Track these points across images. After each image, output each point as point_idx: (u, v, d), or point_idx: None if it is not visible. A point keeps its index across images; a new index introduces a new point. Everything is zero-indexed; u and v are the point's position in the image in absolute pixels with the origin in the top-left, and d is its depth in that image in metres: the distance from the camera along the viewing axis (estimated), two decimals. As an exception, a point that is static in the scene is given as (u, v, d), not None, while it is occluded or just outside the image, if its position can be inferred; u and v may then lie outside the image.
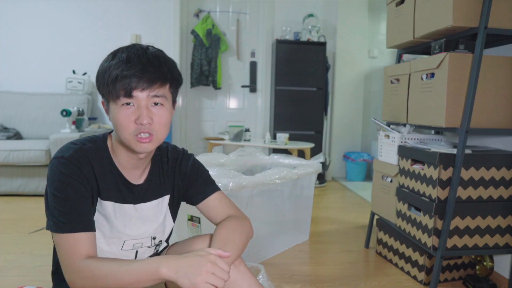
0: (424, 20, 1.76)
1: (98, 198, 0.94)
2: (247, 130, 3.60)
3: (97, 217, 0.94)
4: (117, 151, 0.96)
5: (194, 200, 1.09)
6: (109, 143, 0.97)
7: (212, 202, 1.08)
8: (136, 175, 1.00)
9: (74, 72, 3.80)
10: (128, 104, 0.86)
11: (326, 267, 2.00)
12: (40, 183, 3.17)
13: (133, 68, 0.84)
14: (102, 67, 0.88)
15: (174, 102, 0.96)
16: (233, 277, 0.96)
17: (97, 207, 0.94)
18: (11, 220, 2.57)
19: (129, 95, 0.85)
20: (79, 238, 0.86)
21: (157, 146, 0.95)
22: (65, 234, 0.85)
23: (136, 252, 1.03)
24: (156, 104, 0.88)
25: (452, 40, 1.67)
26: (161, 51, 0.92)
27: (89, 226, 0.89)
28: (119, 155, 0.96)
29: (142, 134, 0.87)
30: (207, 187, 1.09)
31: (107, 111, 0.92)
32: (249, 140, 3.60)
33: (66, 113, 3.17)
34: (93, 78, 4.33)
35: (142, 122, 0.86)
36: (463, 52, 1.64)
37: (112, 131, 0.99)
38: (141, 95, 0.86)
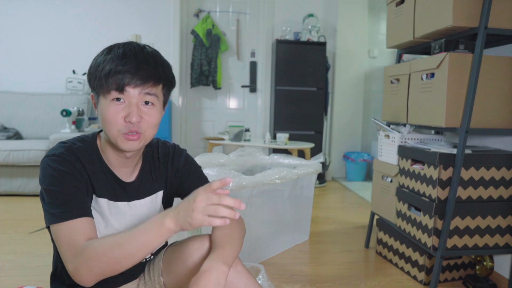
0: (424, 20, 1.76)
1: (94, 195, 0.94)
2: (247, 130, 3.60)
3: (92, 214, 0.94)
4: (105, 150, 0.96)
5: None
6: (98, 142, 0.97)
7: None
8: (127, 173, 0.99)
9: (74, 72, 3.80)
10: (118, 100, 0.86)
11: (326, 267, 2.00)
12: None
13: (128, 64, 0.84)
14: (96, 61, 0.88)
15: (165, 103, 0.95)
16: (231, 277, 0.95)
17: (93, 204, 0.94)
18: (11, 220, 2.57)
19: (121, 90, 0.84)
20: (78, 224, 0.84)
21: (148, 143, 0.95)
22: (63, 223, 0.84)
23: None
24: (147, 103, 0.88)
25: (452, 40, 1.67)
26: (158, 52, 0.92)
27: (87, 212, 0.87)
28: (107, 153, 0.95)
29: (129, 133, 0.87)
30: (200, 183, 1.08)
31: (96, 105, 0.91)
32: (249, 140, 3.60)
33: (66, 113, 3.17)
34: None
35: (131, 120, 0.85)
36: (463, 52, 1.64)
37: (101, 131, 0.99)
38: (133, 92, 0.85)
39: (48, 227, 0.90)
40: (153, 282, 1.07)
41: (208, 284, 0.80)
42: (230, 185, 1.72)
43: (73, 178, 0.87)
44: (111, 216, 0.97)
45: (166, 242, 1.15)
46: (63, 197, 0.85)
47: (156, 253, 1.11)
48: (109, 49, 0.88)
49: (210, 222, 0.73)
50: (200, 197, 0.75)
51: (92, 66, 0.88)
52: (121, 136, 0.87)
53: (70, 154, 0.89)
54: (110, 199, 0.96)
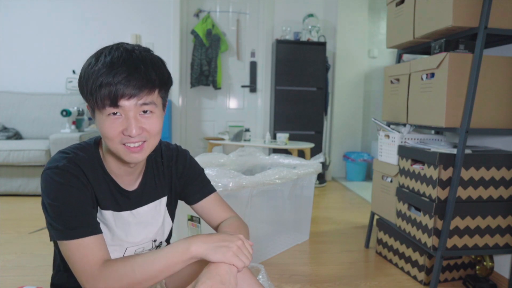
0: (424, 20, 1.76)
1: (98, 208, 0.91)
2: (247, 130, 3.60)
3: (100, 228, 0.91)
4: (107, 159, 0.91)
5: (191, 199, 1.08)
6: (100, 150, 0.93)
7: (209, 203, 1.07)
8: (130, 180, 0.96)
9: (74, 72, 3.80)
10: (114, 114, 0.81)
11: (326, 267, 2.00)
12: (40, 183, 3.16)
13: (118, 74, 0.78)
14: (85, 72, 0.81)
15: (164, 105, 0.90)
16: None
17: (98, 216, 0.91)
18: (11, 220, 2.57)
19: (115, 104, 0.79)
20: (89, 243, 0.82)
21: None
22: (74, 240, 0.81)
23: None
24: (145, 112, 0.83)
25: (452, 40, 1.67)
26: (148, 51, 0.86)
27: (97, 229, 0.85)
28: (110, 163, 0.91)
29: (131, 144, 0.83)
30: (204, 187, 1.08)
31: (92, 115, 0.86)
32: (249, 140, 3.60)
33: (66, 113, 3.17)
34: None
35: (131, 134, 0.81)
36: (463, 52, 1.64)
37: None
38: (128, 104, 0.80)
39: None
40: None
41: (220, 270, 0.80)
42: (230, 185, 1.72)
43: (78, 192, 0.84)
44: (116, 227, 0.94)
45: (169, 242, 1.14)
46: (70, 212, 0.82)
47: None
48: (97, 58, 0.81)
49: (235, 262, 0.81)
50: (239, 241, 0.83)
51: (81, 78, 0.82)
52: (124, 149, 0.83)
53: (73, 166, 0.85)
54: (114, 210, 0.93)
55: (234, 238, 0.83)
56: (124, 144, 0.83)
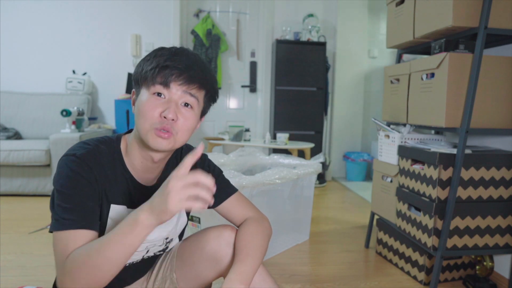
0: (424, 20, 1.77)
1: (111, 204, 0.89)
2: (247, 130, 3.60)
3: (109, 225, 0.90)
4: (131, 152, 0.91)
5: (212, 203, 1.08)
6: (122, 145, 0.93)
7: (230, 204, 1.06)
8: (149, 178, 0.96)
9: (74, 72, 3.80)
10: (159, 95, 0.84)
11: (326, 267, 2.00)
12: (40, 183, 3.17)
13: (178, 61, 0.83)
14: (149, 55, 0.87)
15: (203, 113, 0.93)
16: (255, 280, 0.96)
17: (110, 214, 0.89)
18: (11, 220, 2.57)
19: (165, 84, 0.83)
20: (77, 235, 0.79)
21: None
22: (64, 231, 0.79)
23: (147, 250, 1.02)
24: (186, 105, 0.86)
25: (452, 40, 1.67)
26: (209, 64, 0.92)
27: (92, 225, 0.82)
28: (133, 156, 0.91)
29: (162, 129, 0.83)
30: (223, 190, 1.06)
31: (134, 102, 0.89)
32: (249, 140, 3.60)
33: (66, 113, 3.17)
34: (93, 78, 4.31)
35: (168, 115, 0.82)
36: (463, 52, 1.64)
37: (126, 133, 0.96)
38: (175, 90, 0.84)
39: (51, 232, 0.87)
40: (164, 277, 1.07)
41: None
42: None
43: (87, 184, 0.82)
44: None
45: (180, 238, 1.13)
46: (72, 202, 0.80)
47: (165, 249, 1.10)
48: (162, 47, 0.87)
49: (189, 206, 0.70)
50: (174, 179, 0.70)
51: (141, 60, 0.88)
52: (153, 131, 0.83)
53: (91, 158, 0.85)
54: (128, 206, 0.92)
55: (167, 180, 0.71)
56: (155, 128, 0.83)
